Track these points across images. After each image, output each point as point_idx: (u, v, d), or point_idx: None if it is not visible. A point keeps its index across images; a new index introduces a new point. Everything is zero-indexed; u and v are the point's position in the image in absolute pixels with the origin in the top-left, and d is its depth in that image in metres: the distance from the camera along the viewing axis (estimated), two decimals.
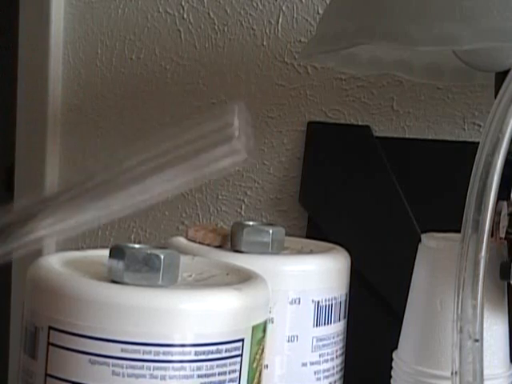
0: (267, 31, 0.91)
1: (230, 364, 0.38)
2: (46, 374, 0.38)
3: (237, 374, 0.39)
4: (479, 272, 0.38)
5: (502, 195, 0.50)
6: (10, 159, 1.15)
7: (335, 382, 0.53)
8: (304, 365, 0.51)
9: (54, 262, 0.41)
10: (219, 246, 0.53)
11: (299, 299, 0.50)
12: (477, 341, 0.38)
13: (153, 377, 0.37)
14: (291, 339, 0.50)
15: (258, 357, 0.40)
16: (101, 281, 0.38)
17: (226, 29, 0.94)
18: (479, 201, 0.38)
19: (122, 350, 0.36)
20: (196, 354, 0.37)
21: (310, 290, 0.51)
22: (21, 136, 1.12)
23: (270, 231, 0.51)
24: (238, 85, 0.93)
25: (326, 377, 0.52)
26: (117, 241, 1.03)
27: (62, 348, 0.37)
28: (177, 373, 0.37)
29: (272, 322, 0.49)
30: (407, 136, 0.83)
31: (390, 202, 0.81)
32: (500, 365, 0.52)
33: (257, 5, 0.91)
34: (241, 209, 0.94)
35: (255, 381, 0.40)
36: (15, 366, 0.41)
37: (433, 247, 0.54)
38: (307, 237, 0.79)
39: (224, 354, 0.38)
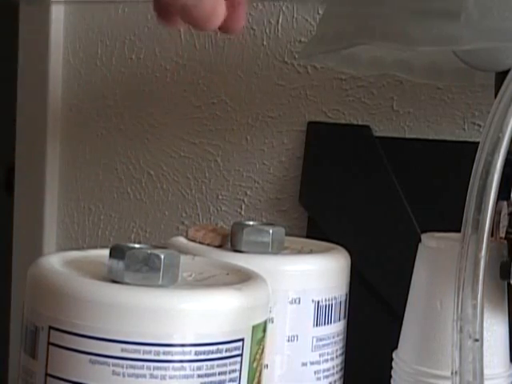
0: (267, 31, 0.91)
1: (230, 364, 0.38)
2: (47, 374, 0.38)
3: (237, 373, 0.39)
4: (479, 272, 0.38)
5: (502, 195, 0.50)
6: (10, 159, 1.15)
7: (335, 381, 0.53)
8: (304, 364, 0.51)
9: (55, 262, 0.41)
10: (219, 246, 0.53)
11: (299, 299, 0.50)
12: (477, 340, 0.38)
13: (153, 377, 0.37)
14: (291, 339, 0.50)
15: (258, 356, 0.40)
16: (101, 281, 0.38)
17: None
18: (479, 201, 0.38)
19: (122, 350, 0.36)
20: (196, 353, 0.37)
21: (310, 290, 0.51)
22: (21, 136, 1.12)
23: (270, 231, 0.51)
24: (238, 85, 0.93)
25: (326, 376, 0.52)
26: (117, 241, 1.03)
27: (62, 348, 0.37)
28: (177, 373, 0.37)
29: (272, 322, 0.49)
30: (407, 136, 0.83)
31: (390, 202, 0.81)
32: (500, 364, 0.52)
33: (257, 5, 0.91)
34: (241, 209, 0.94)
35: (255, 380, 0.40)
36: (15, 365, 0.41)
37: (433, 247, 0.54)
38: (307, 237, 0.79)
39: (224, 354, 0.38)
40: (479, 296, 0.38)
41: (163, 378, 0.37)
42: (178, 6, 0.40)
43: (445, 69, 0.69)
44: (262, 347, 0.40)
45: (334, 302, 0.52)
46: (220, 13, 0.41)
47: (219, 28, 0.42)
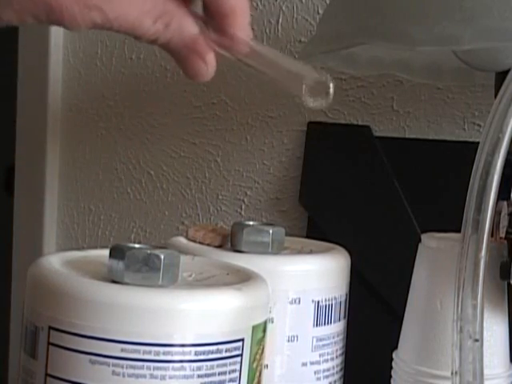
0: (267, 31, 0.91)
1: (230, 364, 0.38)
2: (46, 374, 0.38)
3: (237, 373, 0.39)
4: (479, 272, 0.38)
5: (502, 195, 0.50)
6: (10, 159, 1.15)
7: (335, 381, 0.53)
8: (304, 364, 0.51)
9: (55, 262, 0.41)
10: (219, 246, 0.53)
11: (299, 299, 0.50)
12: (477, 341, 0.38)
13: (153, 377, 0.37)
14: (291, 339, 0.50)
15: (258, 357, 0.40)
16: (101, 281, 0.38)
17: None
18: (479, 201, 0.38)
19: (122, 350, 0.36)
20: (196, 353, 0.37)
21: (310, 290, 0.51)
22: (21, 136, 1.12)
23: (270, 231, 0.51)
24: (238, 85, 0.93)
25: (326, 377, 0.52)
26: (117, 241, 1.03)
27: (62, 348, 0.37)
28: (177, 373, 0.37)
29: (272, 322, 0.49)
30: (407, 136, 0.83)
31: (390, 202, 0.81)
32: (500, 365, 0.52)
33: (257, 5, 0.91)
34: (241, 209, 0.94)
35: (255, 381, 0.40)
36: (15, 365, 0.41)
37: (433, 247, 0.54)
38: (307, 237, 0.79)
39: (224, 354, 0.38)
40: (479, 296, 0.38)
41: (163, 378, 0.37)
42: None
43: (445, 69, 0.69)
44: (261, 347, 0.40)
45: (333, 302, 0.52)
46: (205, 75, 0.44)
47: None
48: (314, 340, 0.51)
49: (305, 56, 0.64)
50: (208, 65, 0.43)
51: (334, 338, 0.52)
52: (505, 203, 0.52)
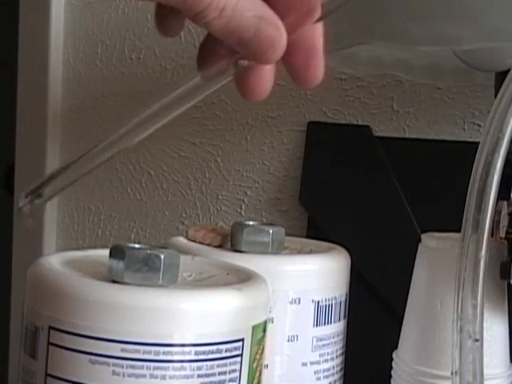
0: None
1: (230, 364, 0.38)
2: (46, 374, 0.38)
3: (237, 373, 0.39)
4: (479, 272, 0.38)
5: (502, 195, 0.50)
6: (10, 158, 1.15)
7: (335, 381, 0.53)
8: (304, 364, 0.51)
9: (55, 262, 0.41)
10: (219, 246, 0.53)
11: (299, 299, 0.50)
12: (477, 341, 0.38)
13: (153, 377, 0.37)
14: (291, 339, 0.50)
15: (258, 357, 0.40)
16: (101, 281, 0.38)
17: None
18: (479, 201, 0.38)
19: (122, 350, 0.36)
20: (196, 353, 0.37)
21: (310, 290, 0.51)
22: (21, 136, 1.12)
23: (270, 231, 0.51)
24: None
25: (326, 377, 0.52)
26: (117, 241, 1.03)
27: (62, 348, 0.37)
28: (177, 373, 0.37)
29: (272, 322, 0.49)
30: (407, 136, 0.83)
31: (390, 202, 0.81)
32: (500, 365, 0.52)
33: None
34: (241, 209, 0.94)
35: (255, 381, 0.40)
36: (15, 366, 0.41)
37: (433, 247, 0.54)
38: (307, 237, 0.79)
39: (224, 354, 0.38)
40: (479, 296, 0.38)
41: (163, 378, 0.37)
42: (234, 41, 0.37)
43: (445, 69, 0.69)
44: (261, 347, 0.40)
45: (333, 302, 0.52)
46: (279, 45, 0.39)
47: (295, 80, 0.41)
48: (314, 340, 0.51)
49: None
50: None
51: (334, 337, 0.52)
52: (505, 203, 0.52)
